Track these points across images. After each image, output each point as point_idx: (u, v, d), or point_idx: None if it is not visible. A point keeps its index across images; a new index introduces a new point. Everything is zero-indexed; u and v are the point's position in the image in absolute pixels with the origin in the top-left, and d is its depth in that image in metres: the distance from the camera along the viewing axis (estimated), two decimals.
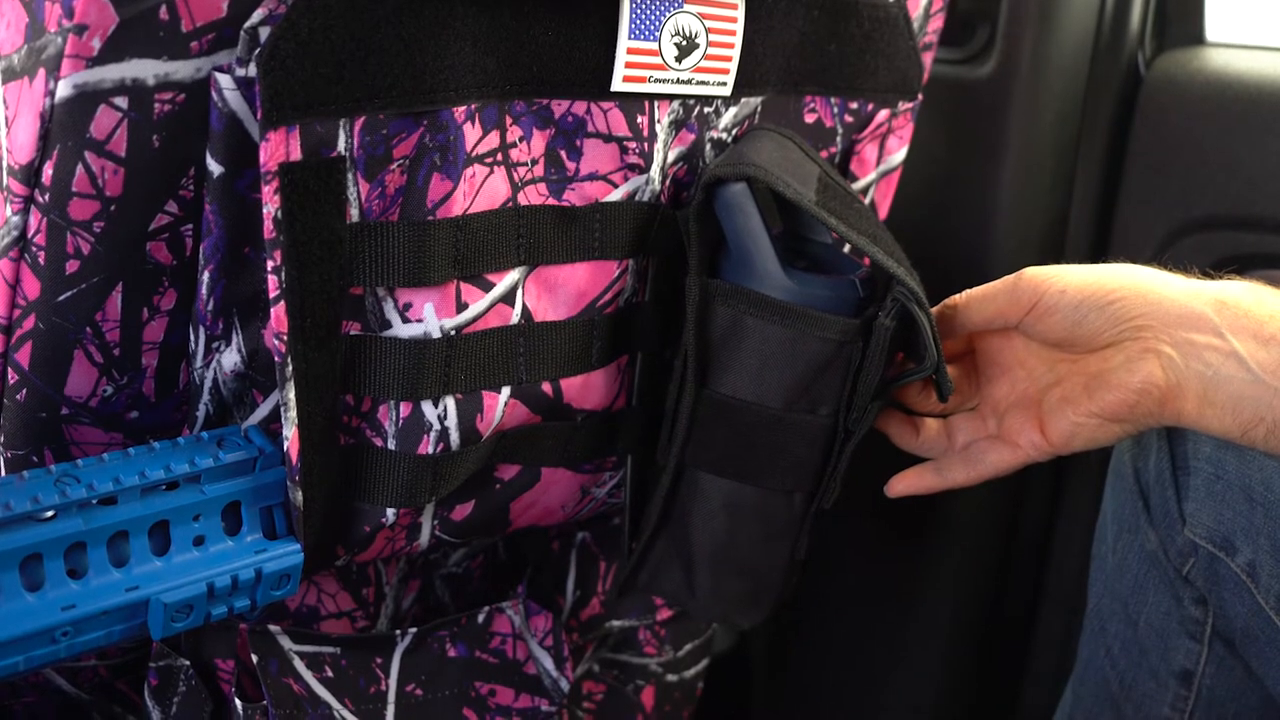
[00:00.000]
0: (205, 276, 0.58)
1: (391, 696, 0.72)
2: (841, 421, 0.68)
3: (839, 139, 0.77)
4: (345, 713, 0.70)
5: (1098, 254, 1.03)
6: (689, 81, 0.66)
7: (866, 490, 0.75)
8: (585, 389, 0.68)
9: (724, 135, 0.70)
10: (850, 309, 0.67)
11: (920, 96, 0.80)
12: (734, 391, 0.67)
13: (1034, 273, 0.68)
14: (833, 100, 0.75)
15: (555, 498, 0.72)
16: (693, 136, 0.68)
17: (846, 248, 0.76)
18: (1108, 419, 0.67)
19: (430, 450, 0.62)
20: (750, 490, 0.69)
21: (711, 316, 0.67)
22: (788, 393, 0.67)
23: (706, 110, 0.68)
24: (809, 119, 0.74)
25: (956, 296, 0.71)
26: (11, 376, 0.59)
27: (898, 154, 0.81)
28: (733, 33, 0.66)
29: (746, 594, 0.74)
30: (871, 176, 0.80)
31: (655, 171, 0.67)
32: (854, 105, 0.76)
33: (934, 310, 0.71)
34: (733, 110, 0.70)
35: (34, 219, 0.55)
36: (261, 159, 0.53)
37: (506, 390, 0.64)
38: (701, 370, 0.68)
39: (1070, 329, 0.67)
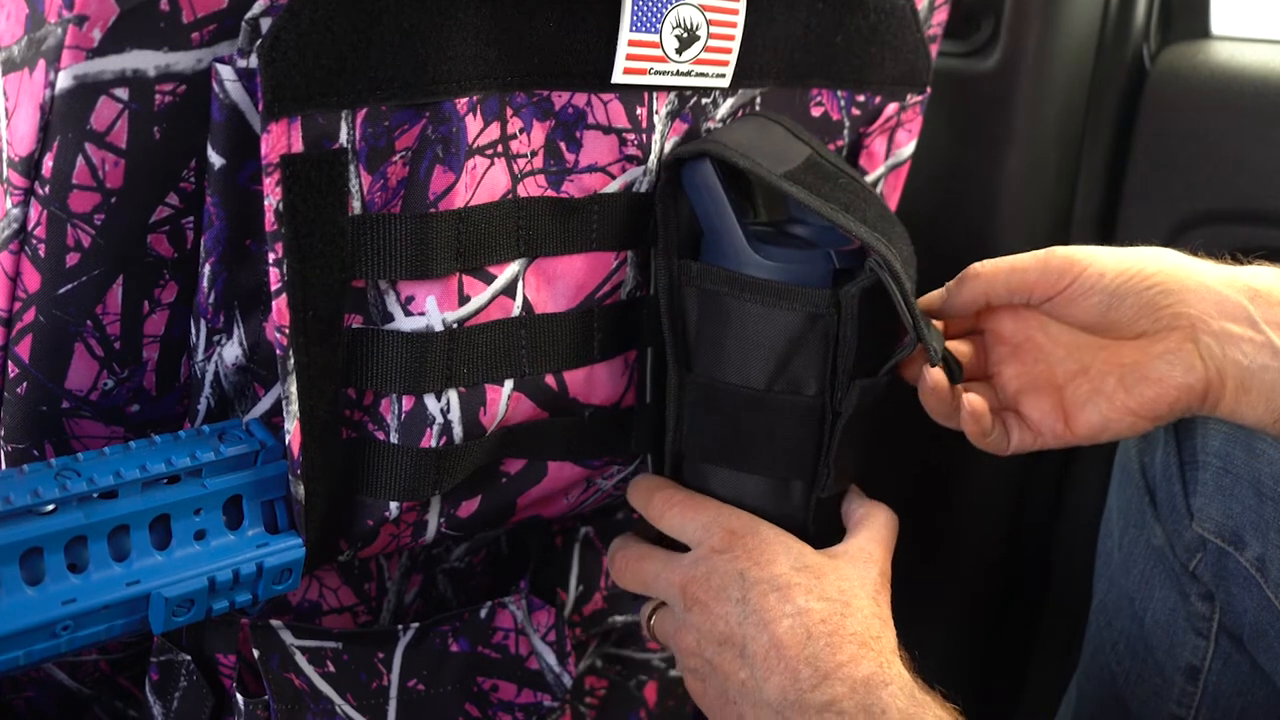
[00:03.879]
0: (206, 269, 0.57)
1: (393, 692, 0.71)
2: (828, 402, 0.67)
3: (846, 132, 0.76)
4: (347, 708, 0.70)
5: None
6: (688, 73, 0.66)
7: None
8: (590, 383, 0.68)
9: (719, 126, 0.70)
10: (824, 282, 0.65)
11: (929, 89, 0.79)
12: (716, 374, 0.67)
13: (1067, 252, 0.66)
14: (839, 93, 0.75)
15: (560, 488, 0.72)
16: (687, 127, 0.68)
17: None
18: (1144, 416, 0.66)
19: (433, 444, 0.62)
20: (748, 479, 0.69)
21: (682, 299, 0.67)
22: (767, 371, 0.66)
23: (703, 101, 0.68)
24: (816, 112, 0.74)
25: (977, 265, 0.69)
26: (12, 370, 0.59)
27: (906, 147, 0.81)
28: (733, 25, 0.66)
29: None
30: (880, 170, 0.80)
31: (653, 163, 0.67)
32: (861, 98, 0.76)
33: (953, 280, 0.70)
34: (730, 101, 0.69)
35: (34, 211, 0.55)
36: (263, 151, 0.53)
37: (509, 383, 0.64)
38: (684, 356, 0.68)
39: (1104, 313, 0.65)
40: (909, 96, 0.78)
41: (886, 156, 0.80)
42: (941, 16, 0.80)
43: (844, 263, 0.66)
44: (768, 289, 0.65)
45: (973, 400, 0.68)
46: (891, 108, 0.78)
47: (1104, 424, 0.67)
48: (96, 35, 0.51)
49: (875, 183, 0.80)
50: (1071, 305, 0.66)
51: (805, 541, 0.68)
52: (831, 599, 0.62)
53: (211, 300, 0.58)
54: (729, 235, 0.65)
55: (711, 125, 0.69)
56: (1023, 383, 0.70)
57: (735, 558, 0.64)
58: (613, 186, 0.66)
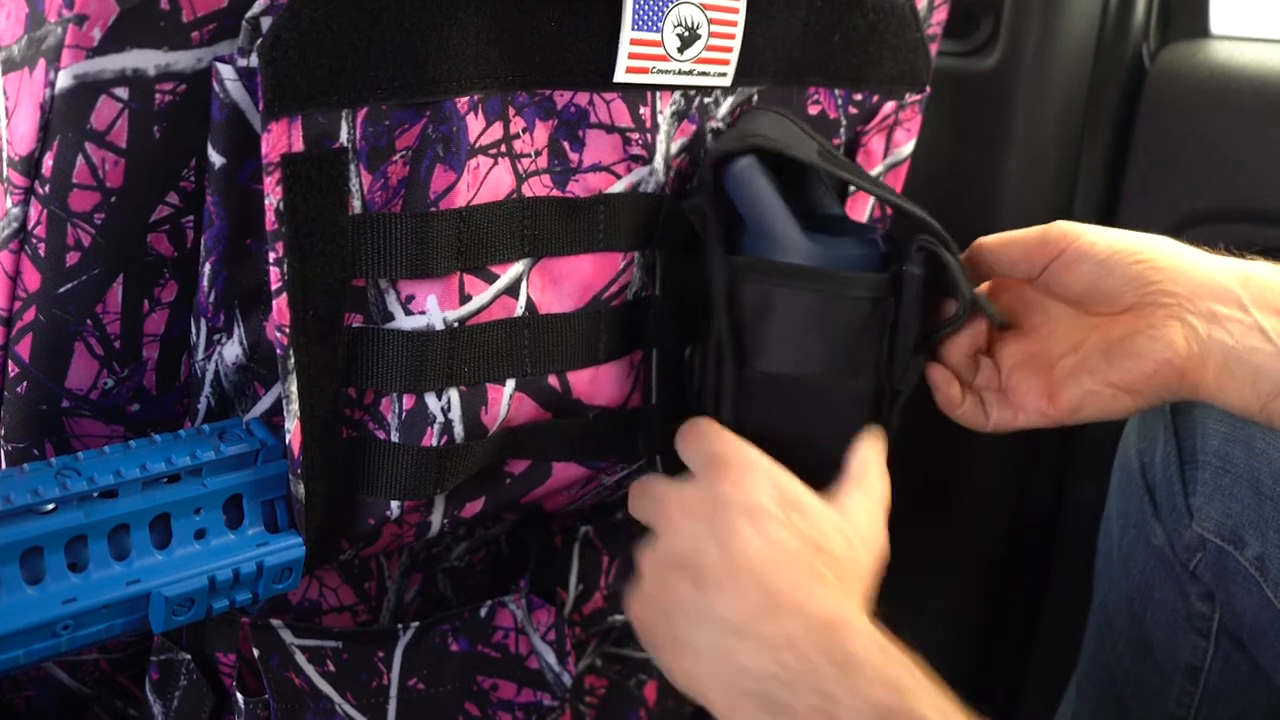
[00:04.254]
0: (207, 268, 0.57)
1: (393, 691, 0.71)
2: (886, 382, 0.68)
3: (843, 130, 0.76)
4: (347, 707, 0.69)
5: None
6: (690, 72, 0.66)
7: None
8: (595, 384, 0.68)
9: (722, 125, 0.70)
10: (877, 265, 0.66)
11: (928, 89, 0.79)
12: (773, 367, 0.66)
13: (1065, 224, 0.68)
14: (836, 92, 0.75)
15: (563, 487, 0.72)
16: (694, 127, 0.68)
17: (865, 216, 0.76)
18: (1123, 389, 0.66)
19: (434, 442, 0.62)
20: (802, 467, 0.68)
21: (740, 294, 0.66)
22: (827, 360, 0.66)
23: (706, 100, 0.68)
24: (813, 110, 0.74)
25: (983, 239, 0.70)
26: (12, 369, 0.58)
27: (905, 147, 0.81)
28: (734, 24, 0.66)
29: None
30: (879, 169, 0.80)
31: (659, 163, 0.67)
32: (858, 97, 0.76)
33: (962, 254, 0.71)
34: (730, 100, 0.70)
35: (34, 211, 0.55)
36: (263, 150, 0.53)
37: (511, 383, 0.64)
38: (738, 351, 0.67)
39: (1094, 283, 0.66)
40: (907, 95, 0.78)
41: (885, 155, 0.80)
42: (941, 15, 0.80)
43: (888, 246, 0.67)
44: (828, 278, 0.65)
45: (933, 372, 0.70)
46: (889, 106, 0.78)
47: (1084, 397, 0.67)
48: (96, 34, 0.51)
49: None
50: (1064, 273, 0.67)
51: None
52: (807, 538, 0.59)
53: (212, 299, 0.58)
54: (781, 228, 0.65)
55: (715, 124, 0.69)
56: (1018, 360, 0.71)
57: (718, 479, 0.61)
58: (618, 186, 0.66)
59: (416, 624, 0.73)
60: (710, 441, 0.64)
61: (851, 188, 0.76)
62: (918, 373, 0.68)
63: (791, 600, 0.56)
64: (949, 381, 0.70)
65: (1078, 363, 0.68)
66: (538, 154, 0.62)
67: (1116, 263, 0.65)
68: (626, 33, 0.62)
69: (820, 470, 0.69)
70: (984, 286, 0.72)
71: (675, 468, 0.73)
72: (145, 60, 0.52)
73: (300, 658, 0.68)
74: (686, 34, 0.64)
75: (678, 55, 0.65)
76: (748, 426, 0.68)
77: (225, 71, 0.53)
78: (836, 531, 0.60)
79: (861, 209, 0.79)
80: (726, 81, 0.68)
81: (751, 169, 0.65)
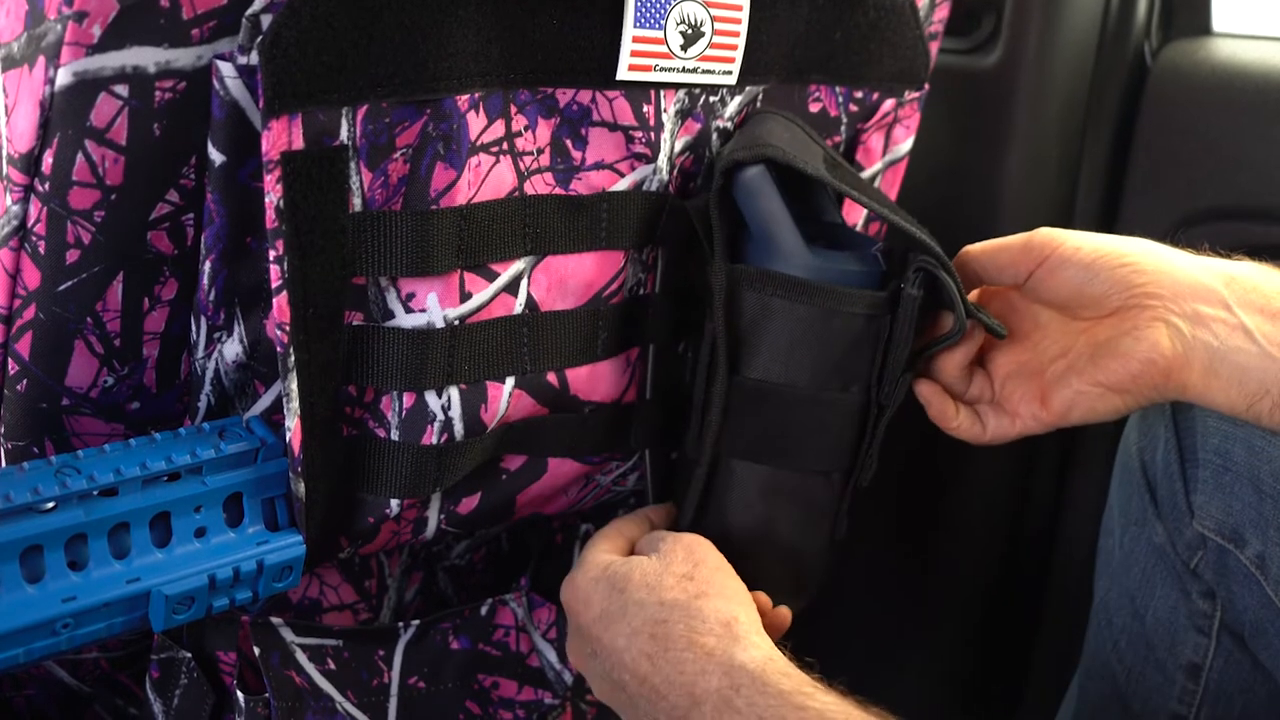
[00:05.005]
0: (207, 266, 0.57)
1: (394, 689, 0.71)
2: (874, 396, 0.68)
3: (843, 128, 0.76)
4: (348, 705, 0.69)
5: None
6: (694, 70, 0.66)
7: (870, 486, 0.75)
8: (592, 380, 0.68)
9: (728, 124, 0.70)
10: (875, 282, 0.67)
11: (927, 86, 0.79)
12: (765, 376, 0.67)
13: (1048, 230, 0.68)
14: (837, 89, 0.75)
15: (560, 485, 0.72)
16: (699, 126, 0.68)
17: (859, 224, 0.76)
18: (1110, 389, 0.66)
19: (434, 440, 0.62)
20: (788, 474, 0.69)
21: (739, 302, 0.67)
22: (819, 372, 0.67)
23: (712, 99, 0.68)
24: (814, 108, 0.74)
25: (969, 247, 0.71)
26: (12, 367, 0.58)
27: (904, 144, 0.81)
28: (738, 21, 0.66)
29: (789, 579, 0.73)
30: (877, 166, 0.80)
31: (663, 161, 0.66)
32: (859, 94, 0.76)
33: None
34: (738, 99, 0.69)
35: (34, 208, 0.55)
36: (263, 148, 0.53)
37: (510, 380, 0.64)
38: (732, 357, 0.68)
39: (1079, 288, 0.67)
40: (907, 93, 0.78)
41: (884, 153, 0.80)
42: (943, 13, 0.80)
43: (886, 263, 0.68)
44: (827, 292, 0.65)
45: (924, 388, 0.71)
46: (888, 104, 0.78)
47: (1074, 398, 0.68)
48: (96, 32, 0.51)
49: (873, 179, 0.80)
50: (1050, 278, 0.67)
51: (834, 529, 0.71)
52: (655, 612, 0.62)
53: (212, 297, 0.58)
54: (784, 238, 0.66)
55: (721, 124, 0.69)
56: (1011, 369, 0.71)
57: (573, 612, 0.66)
58: (621, 184, 0.65)
59: (417, 622, 0.73)
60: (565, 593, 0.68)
61: None
62: (905, 389, 0.69)
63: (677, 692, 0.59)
64: (940, 397, 0.71)
65: (1067, 366, 0.68)
66: (540, 152, 0.62)
67: (1101, 267, 0.66)
68: (629, 30, 0.62)
69: (800, 476, 0.69)
70: (973, 294, 0.72)
71: (664, 464, 0.73)
72: (145, 57, 0.52)
73: (301, 656, 0.68)
74: (690, 31, 0.64)
75: (681, 53, 0.64)
76: (733, 433, 0.68)
77: (225, 69, 0.53)
78: (675, 581, 0.63)
79: (858, 213, 0.79)
80: (731, 80, 0.68)
81: (761, 179, 0.65)
